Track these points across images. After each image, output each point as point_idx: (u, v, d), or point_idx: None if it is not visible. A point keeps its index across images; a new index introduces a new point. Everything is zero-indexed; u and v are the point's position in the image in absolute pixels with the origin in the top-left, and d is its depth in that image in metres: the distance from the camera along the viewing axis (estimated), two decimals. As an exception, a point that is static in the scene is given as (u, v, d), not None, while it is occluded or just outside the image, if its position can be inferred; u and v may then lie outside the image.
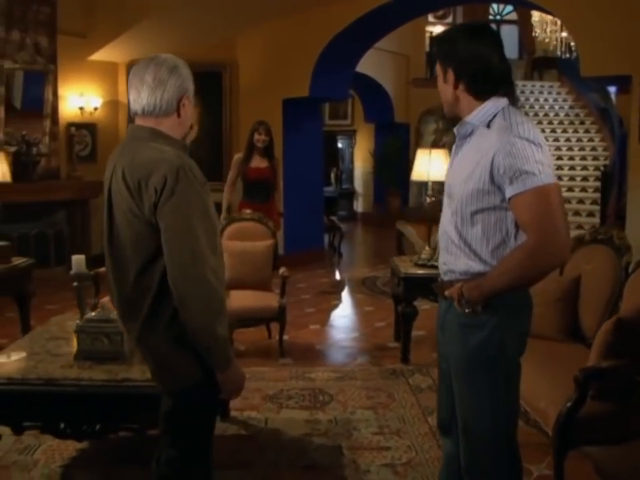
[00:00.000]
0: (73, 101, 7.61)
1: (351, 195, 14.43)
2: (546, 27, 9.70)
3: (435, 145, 13.11)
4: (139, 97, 1.83)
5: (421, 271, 4.54)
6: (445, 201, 2.05)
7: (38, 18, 7.05)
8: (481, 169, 1.86)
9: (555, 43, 10.16)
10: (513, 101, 1.94)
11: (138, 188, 1.74)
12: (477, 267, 1.95)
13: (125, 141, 1.92)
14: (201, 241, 1.74)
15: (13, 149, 6.82)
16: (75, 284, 3.25)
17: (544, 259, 1.81)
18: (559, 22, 9.59)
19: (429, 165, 4.54)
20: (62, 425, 2.61)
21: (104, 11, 7.35)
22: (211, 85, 8.38)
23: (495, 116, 1.90)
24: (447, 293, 2.03)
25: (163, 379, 1.91)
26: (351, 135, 14.40)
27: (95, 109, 7.75)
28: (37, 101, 7.15)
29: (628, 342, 2.66)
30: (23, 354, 2.93)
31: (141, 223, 1.77)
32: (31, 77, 7.06)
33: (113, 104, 8.03)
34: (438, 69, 1.99)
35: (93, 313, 2.86)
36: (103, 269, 3.37)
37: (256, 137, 5.62)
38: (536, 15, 9.97)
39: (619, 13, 5.48)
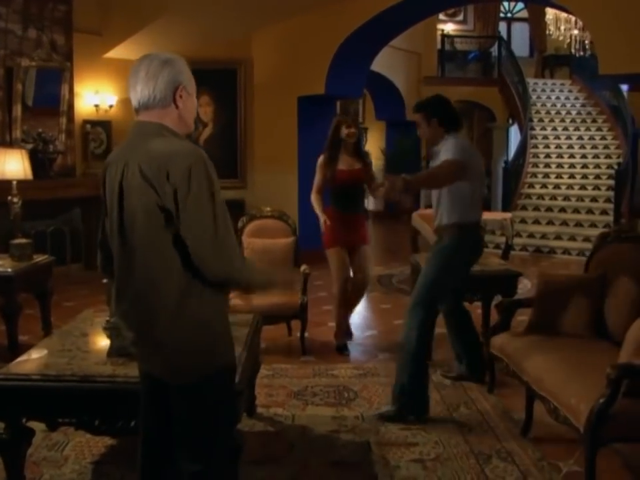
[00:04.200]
0: (88, 99, 7.63)
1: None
2: (560, 24, 9.67)
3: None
4: (135, 92, 1.90)
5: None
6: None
7: (54, 16, 7.08)
8: None
9: (568, 40, 10.12)
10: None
11: (158, 180, 1.78)
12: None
13: (130, 138, 1.93)
14: (221, 223, 1.81)
15: (29, 146, 6.84)
16: (105, 280, 3.25)
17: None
18: (572, 19, 9.57)
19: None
20: (97, 422, 2.62)
21: (119, 9, 7.36)
22: (225, 82, 8.39)
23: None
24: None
25: (181, 370, 1.91)
26: (363, 131, 14.38)
27: (110, 106, 7.77)
28: (51, 98, 7.16)
29: (661, 339, 2.66)
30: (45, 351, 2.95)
31: (164, 215, 1.80)
32: (45, 75, 7.07)
33: (127, 102, 7.85)
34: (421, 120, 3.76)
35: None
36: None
37: (344, 131, 4.69)
38: (550, 13, 9.94)
39: (638, 11, 5.45)
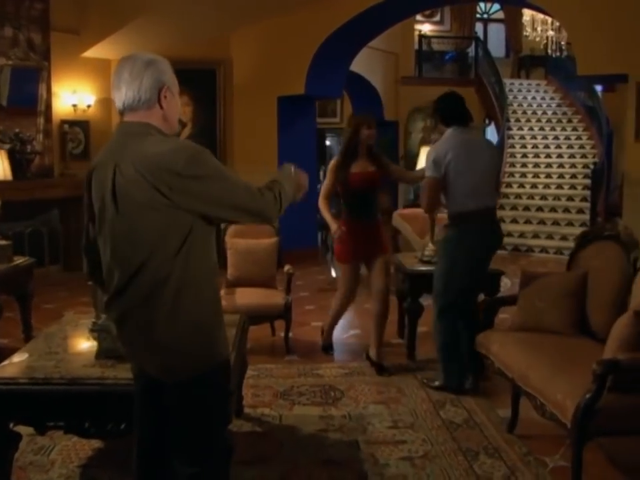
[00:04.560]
0: (66, 98, 7.55)
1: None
2: (536, 25, 9.80)
3: (424, 142, 13.30)
4: (120, 93, 1.89)
5: (425, 268, 4.57)
6: None
7: (31, 14, 6.99)
8: None
9: (545, 41, 10.27)
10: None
11: (161, 178, 1.77)
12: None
13: (116, 138, 1.91)
14: (242, 184, 1.90)
15: (6, 146, 6.75)
16: (90, 282, 3.22)
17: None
18: (549, 21, 9.70)
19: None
20: (86, 424, 2.60)
21: (97, 8, 7.30)
22: (204, 82, 8.35)
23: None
24: None
25: (179, 369, 1.90)
26: (339, 132, 14.40)
27: (88, 106, 7.69)
28: (28, 98, 7.10)
29: (645, 335, 2.72)
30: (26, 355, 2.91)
31: (168, 212, 1.79)
32: (22, 74, 7.00)
33: (106, 101, 7.96)
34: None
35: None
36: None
37: (365, 132, 4.32)
38: (527, 14, 10.07)
39: (615, 13, 5.56)
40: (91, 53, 7.53)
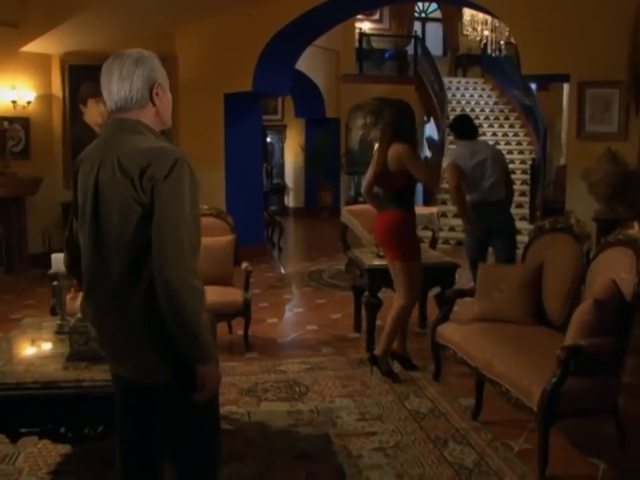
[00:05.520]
0: (5, 94, 7.24)
1: (281, 189, 14.47)
2: (477, 25, 10.10)
3: (364, 139, 13.48)
4: (110, 94, 1.87)
5: (382, 263, 4.64)
6: None
7: (-35, 6, 6.69)
8: None
9: (485, 41, 10.58)
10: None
11: (139, 176, 1.75)
12: None
13: (107, 133, 1.90)
14: (190, 230, 1.77)
15: (-58, 144, 6.47)
16: (55, 283, 3.16)
17: None
18: (489, 20, 9.99)
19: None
20: (62, 429, 2.55)
21: (37, 1, 7.03)
22: (148, 78, 8.19)
23: None
24: None
25: (160, 370, 1.85)
26: (280, 130, 14.43)
27: (28, 102, 7.41)
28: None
29: (603, 321, 2.88)
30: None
31: (141, 212, 1.77)
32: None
33: (46, 98, 7.71)
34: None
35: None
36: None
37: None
38: (467, 14, 10.34)
39: (558, 13, 5.79)
40: (30, 48, 7.25)
